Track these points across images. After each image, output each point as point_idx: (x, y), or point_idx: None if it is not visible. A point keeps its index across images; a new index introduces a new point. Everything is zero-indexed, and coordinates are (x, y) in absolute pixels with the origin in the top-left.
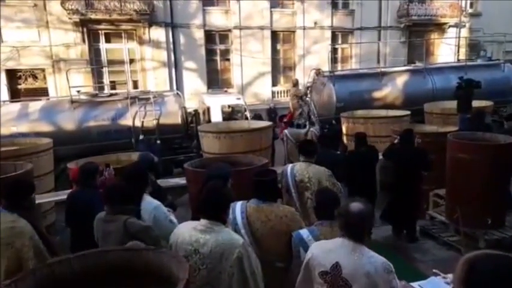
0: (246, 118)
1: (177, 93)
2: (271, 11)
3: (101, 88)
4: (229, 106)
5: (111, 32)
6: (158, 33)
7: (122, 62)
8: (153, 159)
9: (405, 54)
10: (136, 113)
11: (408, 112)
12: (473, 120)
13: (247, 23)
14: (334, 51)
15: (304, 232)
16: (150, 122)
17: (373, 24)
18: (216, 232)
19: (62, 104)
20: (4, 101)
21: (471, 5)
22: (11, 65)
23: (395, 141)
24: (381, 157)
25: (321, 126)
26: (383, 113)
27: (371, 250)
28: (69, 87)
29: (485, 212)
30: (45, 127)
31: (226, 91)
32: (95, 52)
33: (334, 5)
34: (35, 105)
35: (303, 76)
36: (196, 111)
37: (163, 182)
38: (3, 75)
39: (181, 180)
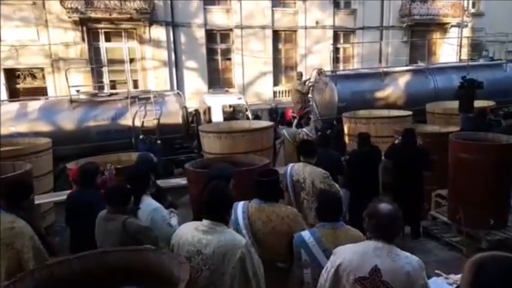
0: (248, 118)
1: (178, 93)
2: (272, 10)
3: (101, 88)
4: (230, 106)
5: (111, 31)
6: (159, 32)
7: (122, 61)
8: (152, 160)
9: (407, 54)
10: (137, 112)
11: (410, 112)
12: (474, 119)
13: (249, 22)
14: (336, 50)
15: (306, 234)
16: (151, 122)
17: (375, 24)
18: (218, 233)
19: (61, 104)
20: (3, 101)
21: (473, 5)
22: (9, 64)
23: (397, 141)
24: (383, 157)
25: (320, 126)
26: (385, 113)
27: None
28: (69, 86)
29: (488, 212)
30: (44, 127)
31: (227, 91)
32: (94, 51)
33: (336, 5)
34: (34, 105)
35: (305, 76)
36: (197, 111)
37: (164, 183)
38: (2, 75)
39: (182, 181)
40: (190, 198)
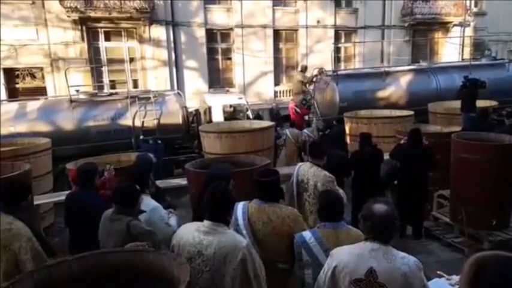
0: (248, 118)
1: (178, 93)
2: (273, 9)
3: (101, 87)
4: (230, 106)
5: (111, 30)
6: (159, 32)
7: (121, 61)
8: (152, 160)
9: (409, 54)
10: (137, 112)
11: (412, 112)
12: (476, 119)
13: (249, 21)
14: (337, 50)
15: (307, 234)
16: (151, 122)
17: (377, 23)
18: (219, 234)
19: (61, 104)
20: (2, 101)
21: (476, 4)
22: (8, 63)
23: (402, 141)
24: (386, 157)
25: (322, 126)
26: (387, 112)
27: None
28: (68, 86)
29: (490, 213)
30: (44, 127)
31: (227, 90)
32: (94, 51)
33: (338, 4)
34: (33, 105)
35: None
36: (197, 111)
37: (163, 183)
38: (1, 74)
39: (182, 181)
40: (191, 198)
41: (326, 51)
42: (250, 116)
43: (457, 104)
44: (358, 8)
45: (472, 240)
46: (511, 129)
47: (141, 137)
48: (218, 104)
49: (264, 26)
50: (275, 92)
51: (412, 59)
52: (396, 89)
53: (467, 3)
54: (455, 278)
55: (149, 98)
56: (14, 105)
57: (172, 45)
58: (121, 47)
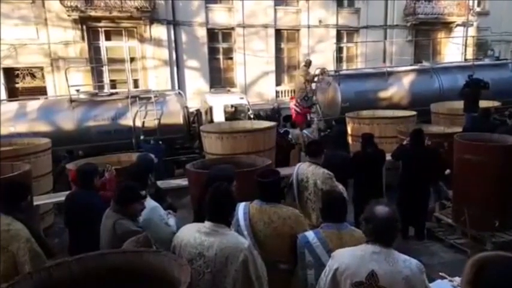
0: (249, 118)
1: (179, 93)
2: (275, 9)
3: (101, 87)
4: (232, 106)
5: (111, 29)
6: (159, 31)
7: (122, 61)
8: (152, 160)
9: (412, 54)
10: (137, 112)
11: (414, 112)
12: (478, 119)
13: (251, 21)
14: (339, 50)
15: (310, 234)
16: (151, 122)
17: (379, 23)
18: (221, 235)
19: (61, 104)
20: (2, 100)
21: (479, 4)
22: (8, 63)
23: (405, 142)
24: (388, 158)
25: (324, 127)
26: (389, 113)
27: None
28: (68, 86)
29: (493, 214)
30: (44, 127)
31: (229, 90)
32: (94, 50)
33: (340, 3)
34: (33, 105)
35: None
36: (198, 111)
37: (164, 184)
38: (1, 74)
39: (183, 182)
40: (191, 199)
41: (328, 51)
42: (252, 116)
43: (459, 104)
44: (360, 8)
45: (475, 242)
46: None
47: (142, 137)
48: (219, 104)
49: (266, 26)
50: (277, 92)
51: (414, 59)
52: (398, 89)
53: (470, 3)
54: (458, 280)
55: (150, 97)
56: (13, 105)
57: (173, 44)
58: (121, 46)
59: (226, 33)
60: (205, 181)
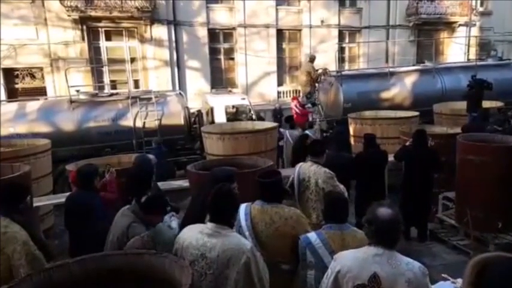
0: (251, 119)
1: (180, 93)
2: (276, 9)
3: (101, 88)
4: (233, 106)
5: (112, 29)
6: (160, 31)
7: (122, 61)
8: (150, 160)
9: (414, 54)
10: (138, 113)
11: (417, 113)
12: (477, 120)
13: (252, 20)
14: (341, 50)
15: (312, 235)
16: (152, 123)
17: (382, 23)
18: (223, 236)
19: (61, 104)
20: (1, 101)
21: (482, 4)
22: (7, 63)
23: (408, 143)
24: (390, 159)
25: (326, 128)
26: (391, 113)
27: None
28: (68, 86)
29: (496, 215)
30: (44, 128)
31: (230, 91)
32: (94, 50)
33: (342, 3)
34: (33, 105)
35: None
36: (199, 111)
37: (165, 185)
38: (1, 74)
39: (184, 183)
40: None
41: (330, 52)
42: (253, 117)
43: (462, 104)
44: (363, 8)
45: (478, 243)
46: None
47: (145, 138)
48: (220, 104)
49: (267, 26)
50: (278, 93)
51: (417, 59)
52: (401, 89)
53: (473, 2)
54: (461, 281)
55: (150, 98)
56: (13, 106)
57: (174, 45)
58: (122, 46)
59: (228, 33)
60: (207, 182)
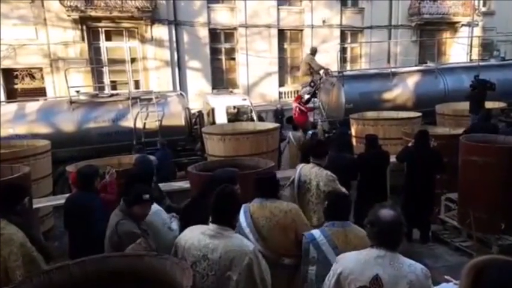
0: (252, 119)
1: (181, 94)
2: (278, 9)
3: (101, 88)
4: (234, 107)
5: (112, 29)
6: (161, 31)
7: (123, 61)
8: (151, 161)
9: (416, 54)
10: (138, 114)
11: (419, 114)
12: (480, 120)
13: (254, 21)
14: (343, 50)
15: (316, 232)
16: (153, 124)
17: (384, 23)
18: (225, 238)
19: (61, 105)
20: (0, 102)
21: (484, 4)
22: (7, 64)
23: (410, 143)
24: (392, 159)
25: (328, 128)
26: (393, 114)
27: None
28: (68, 87)
29: (499, 216)
30: (43, 129)
31: (231, 91)
32: (94, 51)
33: (344, 3)
34: (33, 106)
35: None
36: (200, 112)
37: (166, 186)
38: (0, 75)
39: (185, 184)
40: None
41: (332, 52)
42: (255, 118)
43: (465, 105)
44: (365, 8)
45: (481, 244)
46: None
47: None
48: (221, 105)
49: (269, 26)
50: (280, 93)
51: (419, 59)
52: (403, 90)
53: (476, 2)
54: None
55: (151, 99)
56: (12, 107)
57: (174, 45)
58: (122, 47)
59: (229, 34)
60: (207, 183)
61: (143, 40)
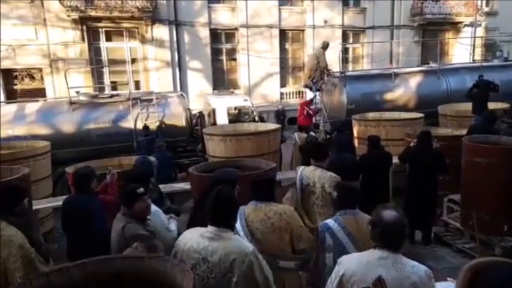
0: (253, 120)
1: (181, 95)
2: (279, 9)
3: (101, 89)
4: (235, 108)
5: (112, 30)
6: (161, 32)
7: (123, 62)
8: (151, 162)
9: (419, 54)
10: (138, 115)
11: (422, 114)
12: (483, 122)
13: (255, 21)
14: (345, 50)
15: (330, 221)
16: (153, 125)
17: (386, 23)
18: (225, 240)
19: (61, 106)
20: (0, 102)
21: (487, 4)
22: (6, 64)
23: (412, 144)
24: (395, 161)
25: (330, 129)
26: (396, 115)
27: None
28: (68, 87)
29: (502, 218)
30: (43, 129)
31: (232, 92)
32: (95, 51)
33: (345, 3)
34: (32, 107)
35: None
36: (201, 113)
37: (167, 187)
38: None
39: (186, 186)
40: (194, 203)
41: (333, 52)
42: (256, 119)
43: (468, 106)
44: (367, 8)
45: (484, 246)
46: None
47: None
48: (222, 106)
49: (270, 26)
50: (281, 94)
51: (421, 60)
52: (405, 90)
53: (479, 2)
54: None
55: (151, 99)
56: (12, 107)
57: (175, 45)
58: (122, 47)
59: (230, 34)
60: (208, 184)
61: (144, 40)
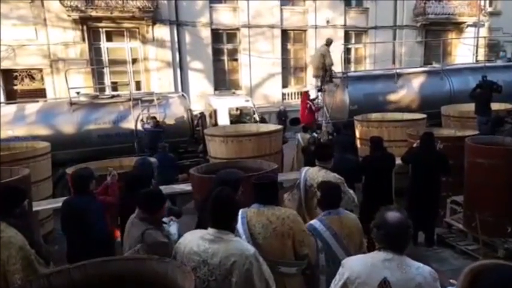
0: (255, 121)
1: (183, 95)
2: (281, 9)
3: (102, 89)
4: (237, 108)
5: (113, 30)
6: (162, 32)
7: (124, 62)
8: (151, 164)
9: (422, 55)
10: (139, 115)
11: (424, 115)
12: (492, 125)
13: (256, 21)
14: (347, 51)
15: (315, 222)
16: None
17: (388, 23)
18: (225, 242)
19: (61, 106)
20: (0, 103)
21: (490, 4)
22: (6, 64)
23: (415, 144)
24: (398, 162)
25: (332, 130)
26: (398, 116)
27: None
28: (68, 88)
29: (505, 219)
30: (43, 130)
31: (234, 93)
32: (95, 51)
33: (348, 3)
34: (32, 107)
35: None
36: (202, 113)
37: (168, 189)
38: None
39: (187, 187)
40: (195, 204)
41: (336, 52)
42: (257, 119)
43: (471, 107)
44: (369, 8)
45: (487, 248)
46: None
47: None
48: (224, 106)
49: (272, 26)
50: (283, 95)
51: (424, 60)
52: (408, 91)
53: (482, 2)
54: None
55: (152, 100)
56: (12, 108)
57: (176, 45)
58: (123, 47)
59: (231, 34)
60: (212, 186)
61: (144, 41)
